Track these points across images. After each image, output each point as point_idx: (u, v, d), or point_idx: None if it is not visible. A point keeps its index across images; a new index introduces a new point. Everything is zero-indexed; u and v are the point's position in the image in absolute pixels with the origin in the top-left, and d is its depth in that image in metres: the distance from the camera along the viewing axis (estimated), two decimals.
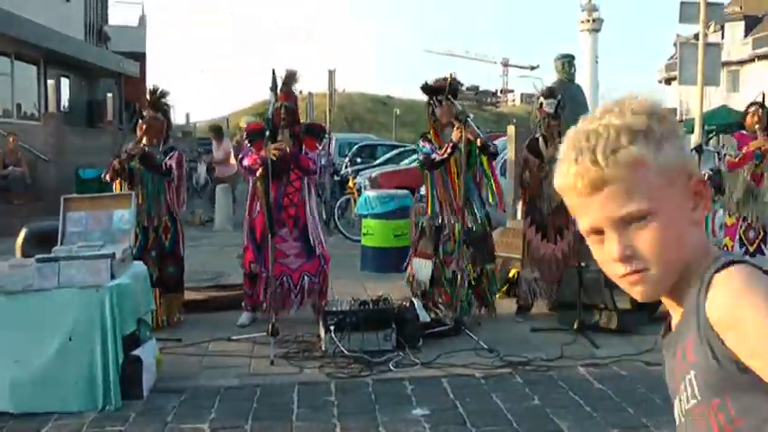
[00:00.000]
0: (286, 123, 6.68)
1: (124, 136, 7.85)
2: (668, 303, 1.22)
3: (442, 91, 6.81)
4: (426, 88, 6.90)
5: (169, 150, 6.95)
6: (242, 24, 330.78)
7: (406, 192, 10.20)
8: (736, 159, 7.09)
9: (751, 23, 47.72)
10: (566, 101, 8.28)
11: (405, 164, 15.79)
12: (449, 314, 6.66)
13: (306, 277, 6.85)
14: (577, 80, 10.82)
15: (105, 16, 29.07)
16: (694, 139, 13.35)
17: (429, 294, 6.93)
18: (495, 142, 12.70)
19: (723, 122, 24.56)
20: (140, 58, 27.72)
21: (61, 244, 5.72)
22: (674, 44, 39.73)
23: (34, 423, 4.60)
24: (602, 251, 1.18)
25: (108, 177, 6.79)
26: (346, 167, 15.39)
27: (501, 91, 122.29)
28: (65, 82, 23.29)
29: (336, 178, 15.02)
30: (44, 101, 20.70)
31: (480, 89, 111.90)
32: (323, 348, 5.98)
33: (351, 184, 13.41)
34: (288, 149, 6.53)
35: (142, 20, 29.93)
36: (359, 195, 11.41)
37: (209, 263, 10.16)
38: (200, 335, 6.51)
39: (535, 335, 6.62)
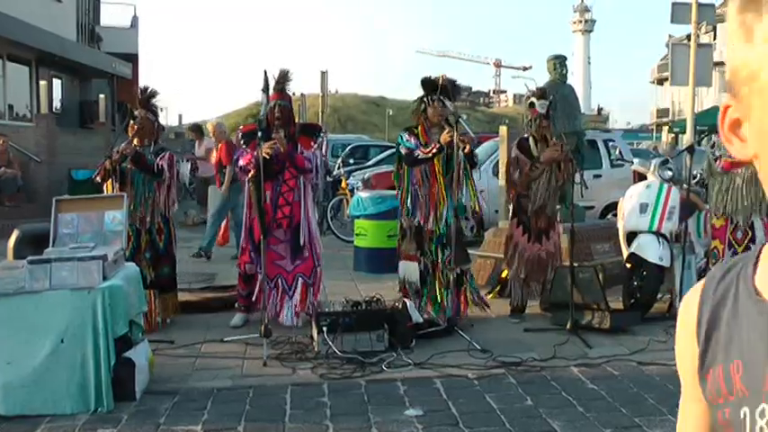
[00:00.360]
0: (281, 122, 6.66)
1: (116, 137, 7.82)
2: None
3: (440, 90, 6.75)
4: (425, 83, 6.83)
5: (160, 151, 6.94)
6: (235, 27, 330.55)
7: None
8: (735, 159, 7.07)
9: None
10: (557, 101, 8.30)
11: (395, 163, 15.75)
12: (441, 315, 6.65)
13: (300, 279, 6.84)
14: (570, 81, 10.84)
15: (97, 17, 28.99)
16: (686, 139, 13.39)
17: (423, 294, 6.91)
18: (488, 143, 12.77)
19: (715, 123, 24.61)
20: (133, 59, 27.65)
21: (53, 245, 5.71)
22: (666, 45, 39.84)
23: (26, 426, 4.59)
24: None
25: (99, 178, 6.78)
26: (339, 168, 15.35)
27: (493, 91, 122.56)
28: (57, 83, 23.23)
29: (329, 179, 15.00)
30: (36, 102, 20.63)
31: (473, 90, 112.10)
32: (316, 349, 5.98)
33: (343, 184, 13.40)
34: (282, 148, 6.52)
35: (134, 21, 29.86)
36: (351, 196, 11.41)
37: (201, 264, 10.15)
38: (193, 336, 6.50)
39: (528, 335, 6.63)
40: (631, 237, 7.30)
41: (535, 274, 7.24)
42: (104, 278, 4.98)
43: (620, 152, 13.93)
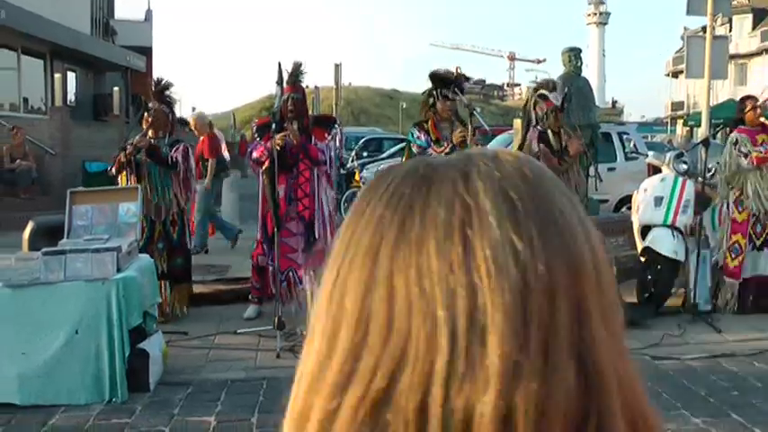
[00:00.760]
0: (294, 115, 6.65)
1: (130, 129, 7.84)
2: None
3: (448, 83, 6.72)
4: (434, 77, 6.80)
5: (174, 143, 6.95)
6: (248, 19, 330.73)
7: None
8: (764, 154, 7.02)
9: (759, 16, 47.49)
10: (572, 94, 8.25)
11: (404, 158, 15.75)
12: None
13: (312, 272, 6.83)
14: (584, 73, 10.79)
15: (111, 10, 29.09)
16: (701, 132, 13.31)
17: None
18: (501, 135, 12.73)
19: (730, 116, 24.45)
20: (147, 52, 27.72)
21: (67, 237, 5.74)
22: (682, 37, 39.65)
23: (41, 415, 4.62)
24: None
25: (114, 170, 6.80)
26: (353, 161, 15.37)
27: (507, 84, 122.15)
28: (71, 76, 23.32)
29: (343, 172, 15.02)
30: (51, 95, 20.73)
31: (487, 83, 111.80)
32: None
33: (357, 177, 13.40)
34: (294, 139, 6.50)
35: (148, 14, 29.94)
36: None
37: (215, 256, 10.17)
38: (207, 328, 6.52)
39: None
40: (646, 230, 7.26)
41: None
42: (118, 270, 5.00)
43: (635, 145, 13.87)
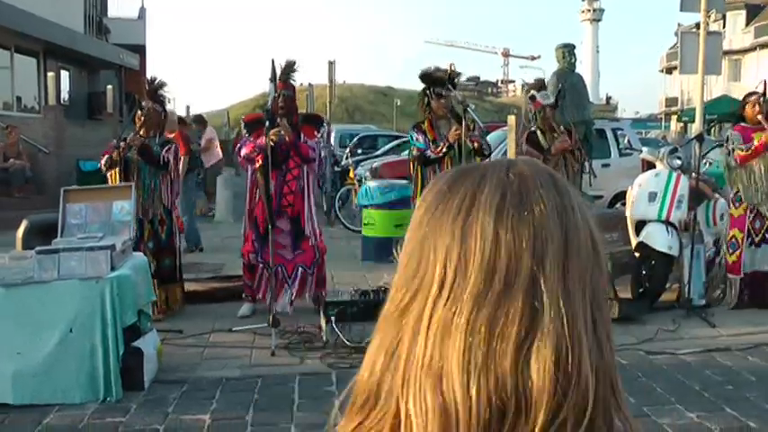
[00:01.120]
0: (284, 112, 6.65)
1: (123, 128, 7.81)
2: None
3: (440, 83, 6.75)
4: (425, 77, 6.84)
5: (166, 143, 6.94)
6: (242, 17, 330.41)
7: (406, 182, 10.19)
8: (749, 153, 7.03)
9: (753, 12, 47.59)
10: (566, 90, 8.26)
11: (406, 154, 15.74)
12: None
13: (300, 269, 6.84)
14: (578, 70, 10.79)
15: (105, 9, 29.00)
16: (695, 128, 13.32)
17: None
18: (496, 132, 12.73)
19: (725, 112, 24.50)
20: (140, 50, 27.66)
21: (61, 236, 5.72)
22: (676, 33, 39.66)
23: (36, 414, 4.61)
24: None
25: (103, 166, 6.77)
26: (347, 158, 15.34)
27: (502, 81, 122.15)
28: (65, 74, 23.25)
29: (337, 169, 15.01)
30: (44, 93, 20.66)
31: (481, 80, 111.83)
32: (324, 339, 5.98)
33: (351, 174, 13.39)
34: (287, 136, 6.50)
35: (142, 12, 29.87)
36: (360, 186, 11.40)
37: (209, 254, 10.16)
38: (201, 326, 6.51)
39: None
40: (640, 226, 7.27)
41: None
42: (112, 268, 4.99)
43: (629, 141, 13.88)
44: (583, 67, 72.35)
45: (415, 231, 0.82)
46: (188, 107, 34.82)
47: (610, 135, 13.15)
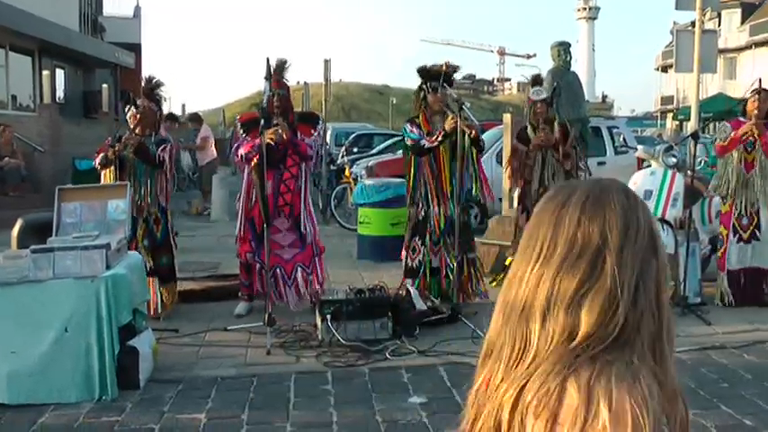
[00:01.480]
0: (279, 111, 6.64)
1: (118, 126, 7.77)
2: None
3: (437, 77, 6.76)
4: (422, 72, 6.85)
5: (161, 142, 6.92)
6: (237, 15, 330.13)
7: (402, 180, 10.18)
8: (725, 143, 7.04)
9: (748, 10, 47.63)
10: (561, 88, 8.27)
11: (401, 153, 15.73)
12: (442, 303, 6.65)
13: (299, 268, 6.83)
14: (574, 68, 10.79)
15: (100, 7, 28.94)
16: (691, 126, 13.33)
17: (430, 284, 6.92)
18: (491, 130, 12.75)
19: (720, 110, 24.55)
20: (135, 49, 27.60)
21: (56, 235, 5.71)
22: (671, 31, 39.68)
23: (31, 414, 4.60)
24: None
25: (98, 165, 6.75)
26: (343, 157, 15.34)
27: (497, 80, 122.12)
28: (60, 73, 23.20)
29: (333, 168, 15.00)
30: (39, 92, 20.62)
31: (477, 78, 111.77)
32: (319, 338, 5.98)
33: (347, 173, 13.38)
34: (285, 134, 6.48)
35: (137, 10, 29.81)
36: (355, 184, 11.40)
37: (205, 253, 10.14)
38: (197, 325, 6.50)
39: None
40: None
41: None
42: (108, 267, 4.98)
43: (625, 139, 13.92)
44: (579, 66, 72.45)
45: (531, 220, 1.23)
46: (183, 105, 34.81)
47: (605, 133, 13.18)
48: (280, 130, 6.42)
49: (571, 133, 7.15)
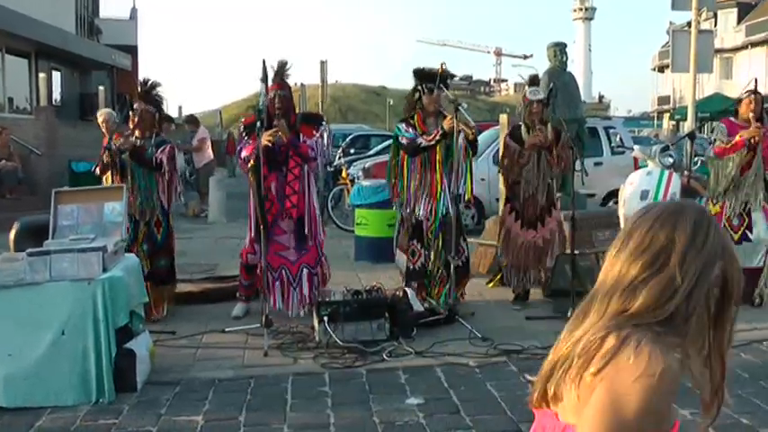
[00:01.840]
0: (282, 112, 6.62)
1: (114, 129, 7.72)
2: None
3: (433, 78, 6.75)
4: (418, 73, 6.84)
5: (161, 143, 6.90)
6: (234, 17, 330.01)
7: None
8: (727, 146, 7.04)
9: (744, 10, 47.70)
10: (558, 89, 8.26)
11: (389, 154, 15.71)
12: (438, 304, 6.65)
13: (305, 269, 6.81)
14: (571, 68, 10.79)
15: (96, 9, 28.96)
16: (688, 126, 13.35)
17: (425, 285, 6.92)
18: (488, 131, 12.75)
19: (716, 110, 24.58)
20: (132, 51, 27.61)
21: (53, 237, 5.71)
22: (667, 32, 39.70)
23: (28, 417, 4.60)
24: None
25: (98, 171, 6.76)
26: (340, 158, 15.34)
27: (494, 80, 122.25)
28: (56, 75, 23.19)
29: (330, 169, 14.99)
30: (36, 94, 20.60)
31: (473, 79, 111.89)
32: (317, 339, 5.98)
33: (344, 174, 13.38)
34: (284, 136, 6.47)
35: (133, 12, 29.82)
36: (352, 186, 11.39)
37: (203, 255, 10.14)
38: (194, 327, 6.50)
39: (529, 323, 6.63)
40: None
41: (531, 260, 7.21)
42: (104, 269, 4.97)
43: (621, 139, 13.92)
44: (575, 66, 72.48)
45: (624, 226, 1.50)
46: (180, 107, 34.82)
47: (602, 133, 13.17)
48: (279, 133, 6.41)
49: (564, 135, 7.11)
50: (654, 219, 1.43)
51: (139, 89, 7.02)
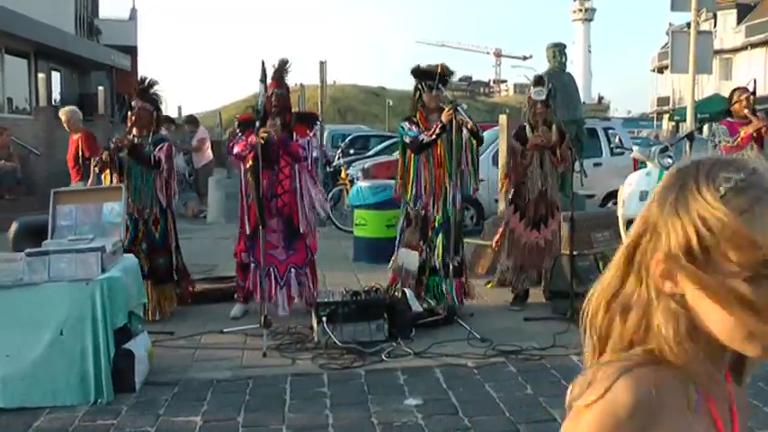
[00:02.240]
0: (277, 110, 6.63)
1: (114, 129, 7.74)
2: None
3: (432, 76, 6.77)
4: (417, 71, 6.86)
5: (159, 141, 6.90)
6: (234, 18, 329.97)
7: None
8: (734, 144, 7.05)
9: (743, 11, 47.72)
10: (557, 89, 8.26)
11: (397, 155, 15.71)
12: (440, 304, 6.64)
13: (292, 269, 6.82)
14: (570, 69, 10.80)
15: (96, 10, 28.96)
16: (687, 127, 13.35)
17: (426, 284, 6.91)
18: (488, 132, 12.74)
19: (716, 111, 24.56)
20: (131, 51, 27.62)
21: (51, 237, 5.70)
22: (667, 33, 39.73)
23: (26, 418, 4.59)
24: None
25: (97, 169, 6.76)
26: (339, 159, 15.35)
27: (494, 81, 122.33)
28: (56, 76, 23.19)
29: (329, 169, 15.00)
30: (35, 95, 20.59)
31: (473, 79, 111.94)
32: (315, 340, 5.97)
33: (343, 175, 13.38)
34: (275, 135, 6.48)
35: (133, 13, 29.82)
36: (351, 186, 11.39)
37: (201, 255, 10.12)
38: (193, 327, 6.49)
39: (528, 324, 6.62)
40: (631, 224, 7.27)
41: (532, 261, 7.22)
42: (103, 270, 4.97)
43: (620, 140, 13.91)
44: (574, 67, 72.49)
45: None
46: (180, 108, 34.80)
47: (601, 134, 13.17)
48: (271, 130, 6.40)
49: (567, 135, 7.14)
50: (656, 205, 1.40)
51: (137, 87, 7.02)
